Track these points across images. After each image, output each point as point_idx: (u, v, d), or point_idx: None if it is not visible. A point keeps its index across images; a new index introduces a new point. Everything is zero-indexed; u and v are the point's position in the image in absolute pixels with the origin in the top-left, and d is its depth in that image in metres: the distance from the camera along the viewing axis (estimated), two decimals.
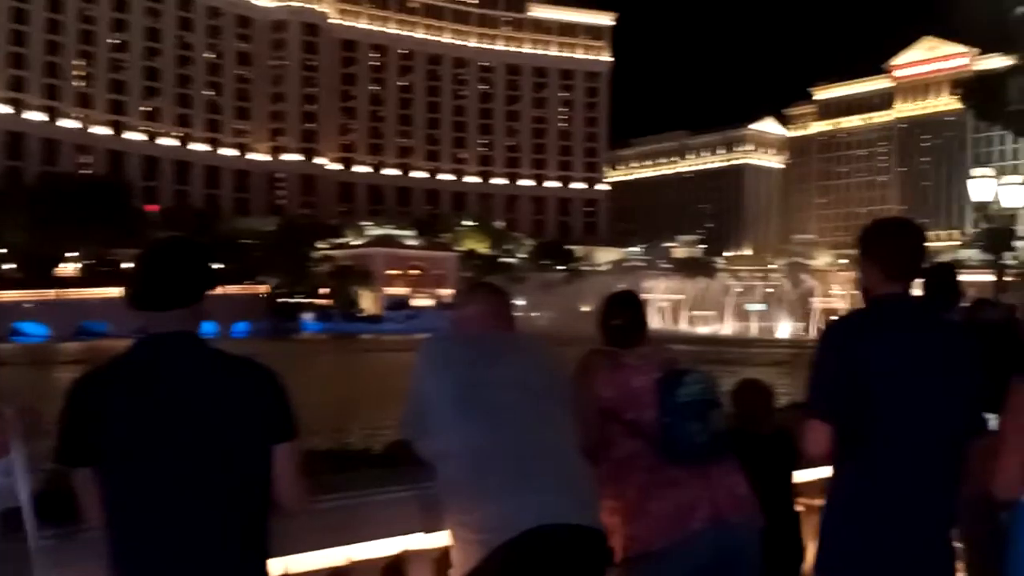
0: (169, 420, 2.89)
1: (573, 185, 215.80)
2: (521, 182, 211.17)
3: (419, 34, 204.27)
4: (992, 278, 25.77)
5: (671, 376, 4.33)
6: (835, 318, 3.86)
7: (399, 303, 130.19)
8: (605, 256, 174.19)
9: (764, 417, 5.62)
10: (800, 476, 5.78)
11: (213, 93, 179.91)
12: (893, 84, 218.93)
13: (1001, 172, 38.48)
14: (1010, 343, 4.40)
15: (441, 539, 4.11)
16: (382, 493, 4.21)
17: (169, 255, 3.10)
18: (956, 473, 3.59)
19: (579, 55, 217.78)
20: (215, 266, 3.29)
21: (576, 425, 3.94)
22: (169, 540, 2.87)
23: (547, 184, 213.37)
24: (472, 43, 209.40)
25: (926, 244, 3.85)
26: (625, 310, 4.70)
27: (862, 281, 3.79)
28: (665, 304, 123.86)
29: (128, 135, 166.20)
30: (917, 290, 3.92)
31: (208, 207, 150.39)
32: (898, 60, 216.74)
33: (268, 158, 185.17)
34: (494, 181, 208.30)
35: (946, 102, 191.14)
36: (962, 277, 6.79)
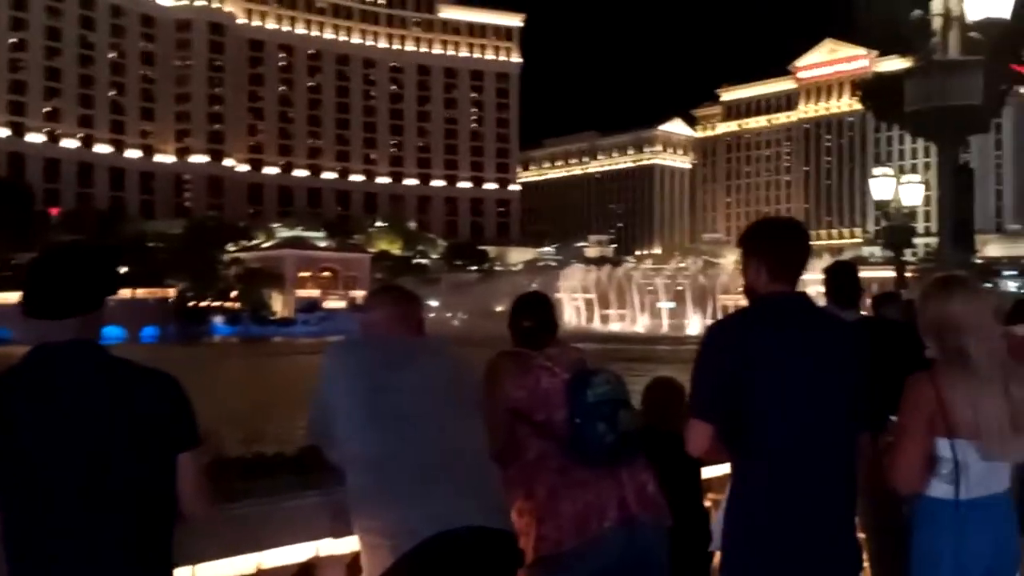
0: (65, 431, 2.82)
1: (485, 186, 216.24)
2: (433, 183, 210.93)
3: (327, 34, 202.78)
4: (893, 274, 26.54)
5: (581, 377, 4.32)
6: (718, 318, 3.81)
7: (311, 305, 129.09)
8: (518, 256, 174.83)
9: (674, 415, 5.54)
10: (708, 472, 5.82)
11: (116, 93, 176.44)
12: (796, 85, 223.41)
13: (900, 171, 39.59)
14: (910, 341, 4.46)
15: (352, 544, 4.08)
16: (292, 499, 4.16)
17: (61, 262, 3.00)
18: (850, 468, 3.58)
19: (489, 56, 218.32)
20: (120, 270, 3.11)
21: (485, 427, 3.93)
22: (67, 551, 2.82)
23: (459, 185, 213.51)
24: (381, 44, 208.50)
25: (810, 243, 3.83)
26: (535, 311, 4.67)
27: (747, 281, 3.75)
28: (578, 302, 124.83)
29: (29, 137, 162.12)
30: (807, 288, 3.77)
31: (112, 209, 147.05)
32: (801, 62, 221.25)
33: (174, 159, 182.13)
34: (406, 182, 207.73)
35: (848, 103, 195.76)
36: (865, 274, 6.93)
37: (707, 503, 5.88)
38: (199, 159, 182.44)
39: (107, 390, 2.91)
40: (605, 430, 4.18)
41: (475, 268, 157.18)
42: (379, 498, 3.58)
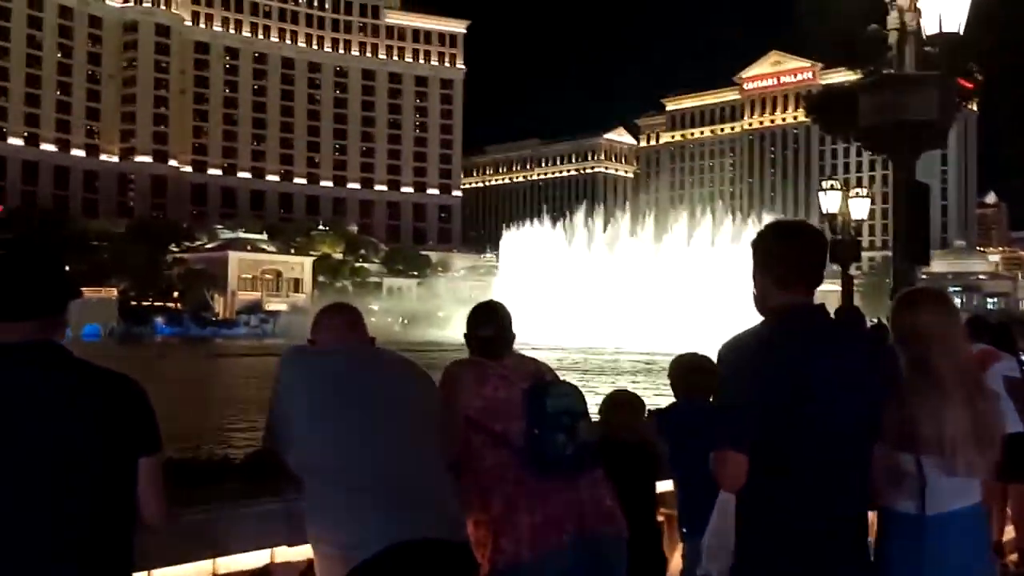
0: (21, 434, 2.74)
1: (428, 191, 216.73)
2: (376, 187, 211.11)
3: (273, 38, 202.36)
4: (838, 288, 26.08)
5: (539, 387, 4.33)
6: (734, 339, 3.42)
7: (252, 307, 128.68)
8: (460, 262, 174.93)
9: (631, 428, 5.53)
10: (663, 486, 5.76)
11: (61, 93, 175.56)
12: (741, 97, 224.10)
13: (846, 184, 39.65)
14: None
15: (306, 551, 4.06)
16: (246, 505, 4.21)
17: (19, 262, 2.95)
18: (866, 484, 3.48)
19: (433, 62, 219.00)
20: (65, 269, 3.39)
21: (442, 437, 3.93)
22: (23, 555, 2.72)
23: (402, 190, 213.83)
24: (327, 48, 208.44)
25: (826, 247, 3.61)
26: (492, 321, 4.62)
27: (758, 291, 3.51)
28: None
29: None
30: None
31: (56, 208, 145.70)
32: (746, 73, 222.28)
33: (118, 159, 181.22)
34: (349, 186, 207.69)
35: (792, 115, 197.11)
36: None
37: (659, 517, 5.86)
38: (143, 159, 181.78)
39: (67, 392, 2.84)
40: (564, 441, 4.16)
41: (416, 273, 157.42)
42: (334, 508, 3.55)
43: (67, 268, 3.18)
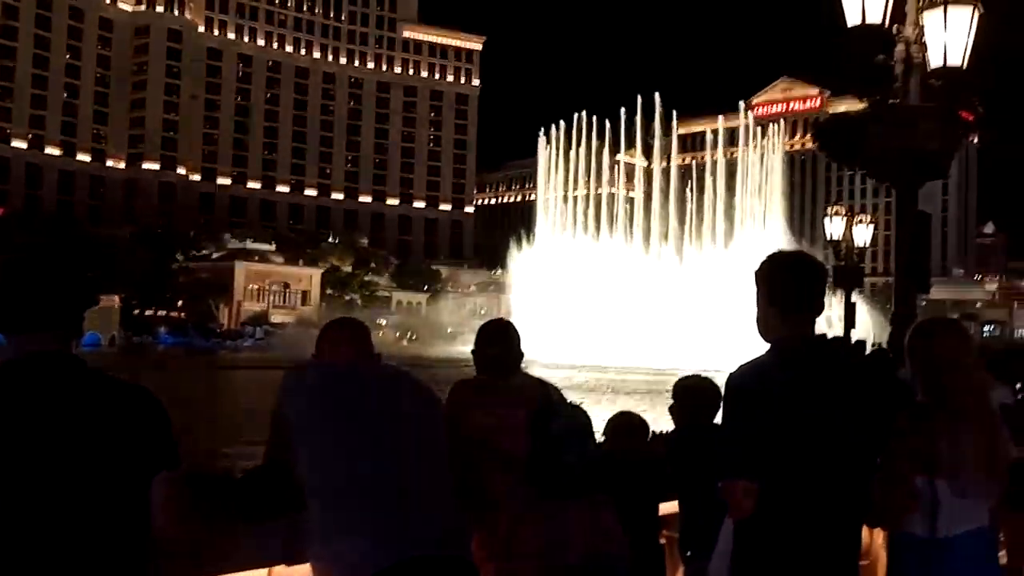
0: (43, 449, 2.66)
1: (440, 206, 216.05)
2: (388, 201, 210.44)
3: (287, 47, 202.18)
4: (841, 312, 26.56)
5: (545, 408, 4.33)
6: (740, 369, 3.57)
7: (258, 319, 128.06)
8: (470, 278, 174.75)
9: (634, 450, 5.61)
10: (665, 508, 5.82)
11: (69, 96, 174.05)
12: (750, 121, 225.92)
13: (851, 210, 39.93)
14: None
15: (305, 571, 3.96)
16: (246, 521, 4.12)
17: (39, 269, 2.81)
18: (860, 511, 3.61)
19: (449, 77, 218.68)
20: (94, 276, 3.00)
21: (448, 457, 3.87)
22: (38, 568, 2.65)
23: (414, 204, 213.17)
24: (342, 60, 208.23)
25: (825, 278, 3.71)
26: (500, 340, 4.63)
27: (760, 320, 3.63)
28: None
29: None
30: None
31: (61, 213, 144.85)
32: (756, 99, 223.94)
33: (125, 165, 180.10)
34: (360, 199, 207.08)
35: (800, 140, 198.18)
36: None
37: (661, 540, 5.86)
38: (151, 166, 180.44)
39: (83, 406, 2.75)
40: (570, 462, 4.19)
41: (426, 288, 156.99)
42: (337, 526, 3.52)
43: (90, 274, 3.05)
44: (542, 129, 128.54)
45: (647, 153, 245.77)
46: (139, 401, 2.86)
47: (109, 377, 2.86)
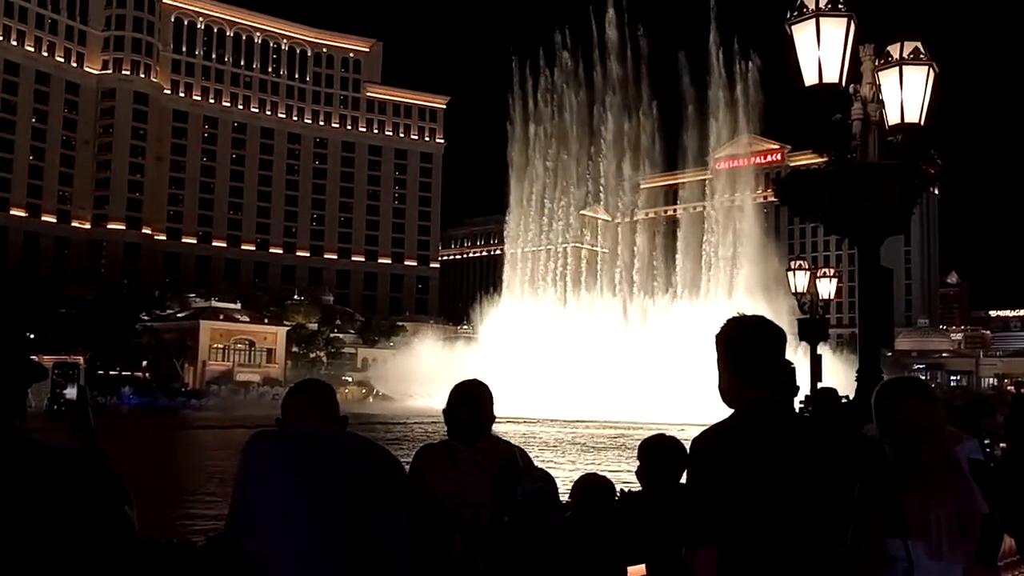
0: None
1: (406, 262, 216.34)
2: (353, 258, 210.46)
3: (253, 108, 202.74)
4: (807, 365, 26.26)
5: (510, 473, 4.25)
6: (705, 435, 3.50)
7: (223, 377, 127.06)
8: (436, 333, 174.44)
9: (601, 513, 5.56)
10: (633, 572, 5.73)
11: (34, 158, 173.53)
12: (712, 176, 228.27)
13: (813, 262, 40.29)
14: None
15: None
16: None
17: None
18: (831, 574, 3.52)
19: (413, 136, 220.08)
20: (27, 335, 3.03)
21: (410, 524, 3.83)
22: None
23: (380, 261, 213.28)
24: (307, 120, 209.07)
25: (784, 342, 3.65)
26: (470, 402, 4.52)
27: (722, 385, 3.58)
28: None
29: None
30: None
31: (25, 274, 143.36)
32: (719, 154, 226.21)
33: (90, 226, 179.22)
34: (326, 256, 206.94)
35: (762, 194, 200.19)
36: None
37: None
38: (117, 226, 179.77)
39: (22, 484, 2.73)
40: (533, 530, 4.12)
41: (391, 344, 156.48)
42: None
43: (31, 337, 2.77)
44: (511, 186, 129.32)
45: (611, 208, 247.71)
46: (79, 470, 2.82)
47: (51, 449, 2.80)
